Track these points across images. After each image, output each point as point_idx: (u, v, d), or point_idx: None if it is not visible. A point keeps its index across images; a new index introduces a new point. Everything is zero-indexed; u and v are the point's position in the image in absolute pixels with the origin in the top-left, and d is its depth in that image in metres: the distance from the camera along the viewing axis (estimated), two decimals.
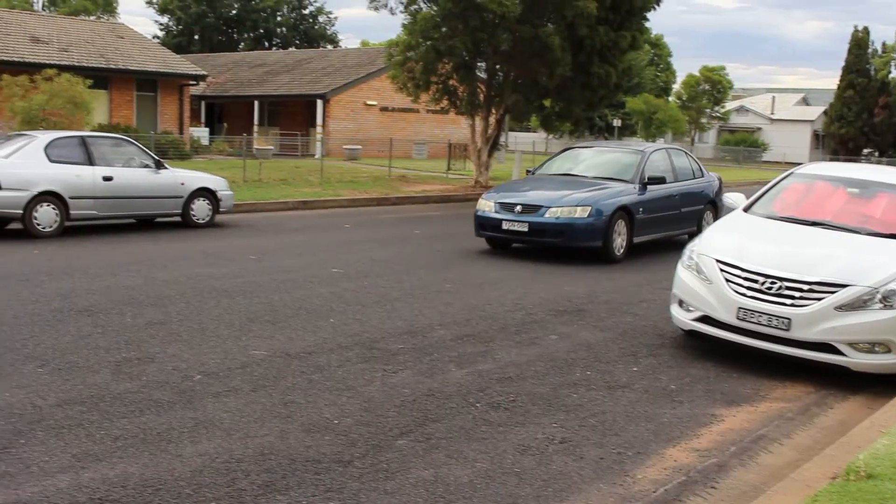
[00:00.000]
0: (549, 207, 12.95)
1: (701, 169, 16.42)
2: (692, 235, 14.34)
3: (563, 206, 12.93)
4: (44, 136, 14.85)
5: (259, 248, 13.71)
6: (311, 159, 36.65)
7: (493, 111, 28.10)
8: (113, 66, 34.48)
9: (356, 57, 50.10)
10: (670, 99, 75.18)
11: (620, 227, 13.40)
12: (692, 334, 8.27)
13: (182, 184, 16.05)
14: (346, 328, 8.46)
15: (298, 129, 43.60)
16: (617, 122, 62.11)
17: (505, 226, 13.25)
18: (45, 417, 5.75)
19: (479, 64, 27.72)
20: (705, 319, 7.93)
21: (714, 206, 16.35)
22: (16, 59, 31.02)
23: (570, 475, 5.21)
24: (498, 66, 27.40)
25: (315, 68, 48.08)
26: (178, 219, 16.19)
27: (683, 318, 8.20)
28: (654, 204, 14.17)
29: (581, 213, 12.88)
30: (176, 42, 69.84)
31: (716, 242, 8.31)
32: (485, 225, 13.73)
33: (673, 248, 14.34)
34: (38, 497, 4.60)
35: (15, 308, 8.84)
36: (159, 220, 16.39)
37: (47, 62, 29.41)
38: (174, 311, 8.94)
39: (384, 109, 45.66)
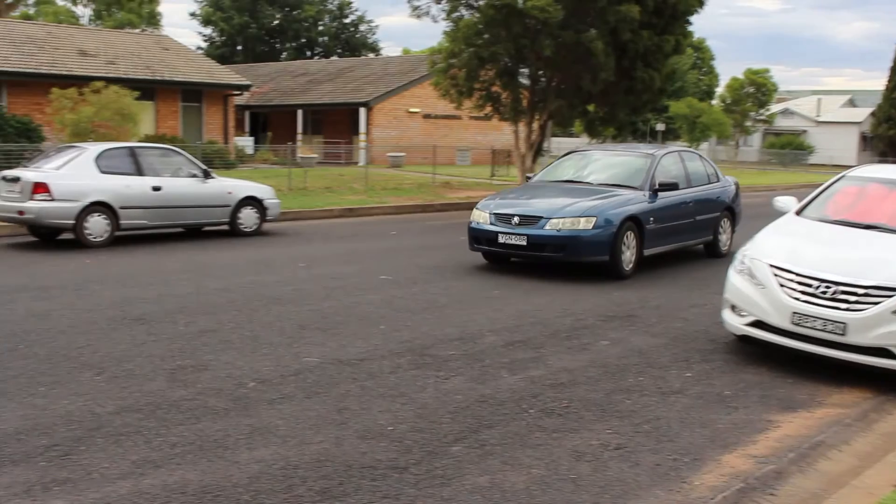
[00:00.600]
0: (550, 218, 11.75)
1: (717, 173, 15.13)
2: (707, 245, 14.49)
3: (566, 217, 11.72)
4: (94, 148, 15.07)
5: (307, 255, 13.79)
6: (354, 167, 36.82)
7: (537, 117, 28.04)
8: (158, 78, 34.88)
9: (398, 65, 50.25)
10: (714, 102, 74.63)
11: (629, 239, 12.12)
12: (745, 339, 8.20)
13: (229, 193, 16.20)
14: (396, 335, 8.48)
15: (342, 138, 43.80)
16: (660, 127, 61.69)
17: (501, 239, 12.08)
18: (104, 425, 5.83)
19: (521, 70, 27.68)
20: (758, 324, 7.84)
21: (731, 213, 15.14)
22: (64, 73, 31.48)
23: (626, 481, 5.17)
24: (541, 72, 27.33)
25: (358, 76, 48.30)
26: (225, 227, 16.33)
27: (736, 323, 8.11)
28: (665, 212, 12.88)
29: (585, 224, 11.66)
30: (219, 53, 70.50)
31: (768, 246, 8.21)
32: (479, 238, 12.55)
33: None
34: (100, 503, 4.66)
35: (70, 317, 8.98)
36: (207, 228, 16.54)
37: (95, 75, 29.80)
38: (226, 318, 9.02)
39: (427, 117, 45.73)
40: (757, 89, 71.98)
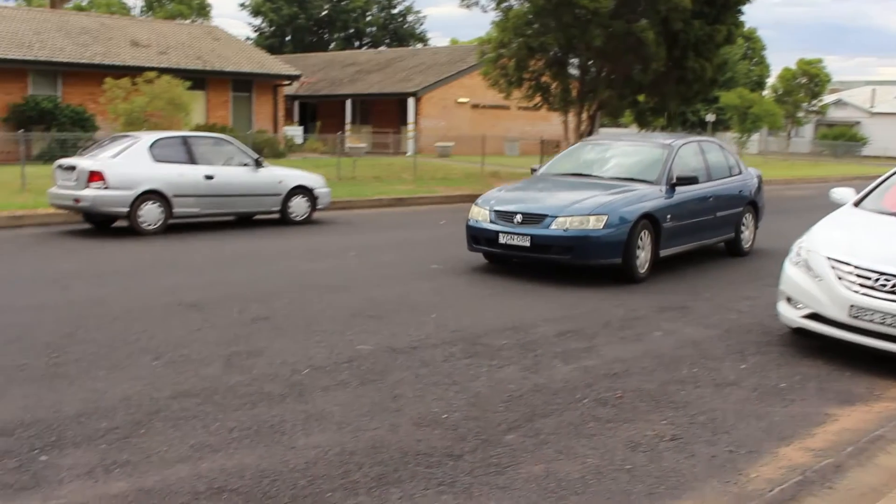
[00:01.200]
0: (556, 217, 10.60)
1: (738, 164, 13.95)
2: (728, 243, 13.41)
3: (574, 216, 10.57)
4: (148, 137, 15.26)
5: (357, 244, 13.86)
6: (403, 157, 36.93)
7: (586, 107, 27.92)
8: (209, 68, 35.20)
9: (447, 55, 50.24)
10: (765, 93, 73.70)
11: (644, 238, 11.00)
12: (800, 332, 8.08)
13: (280, 182, 16.32)
14: (448, 323, 8.50)
15: (390, 127, 43.93)
16: (710, 118, 61.07)
17: (502, 239, 10.89)
18: (163, 409, 5.90)
19: (571, 60, 27.58)
20: (815, 317, 7.74)
21: (754, 208, 13.99)
22: (118, 63, 31.88)
23: (682, 473, 5.14)
24: (591, 62, 27.23)
25: (406, 66, 48.37)
26: (276, 216, 16.45)
27: (791, 316, 8.01)
28: (684, 209, 11.74)
29: (595, 223, 10.52)
30: (268, 43, 70.95)
31: (825, 238, 8.10)
32: (478, 238, 11.38)
33: (775, 243, 14.01)
34: (160, 485, 4.73)
35: (126, 303, 9.11)
36: (258, 217, 16.67)
37: (147, 65, 30.15)
38: (279, 306, 9.10)
39: (475, 106, 45.68)
40: (809, 80, 70.92)
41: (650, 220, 11.05)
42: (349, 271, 11.25)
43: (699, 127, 67.18)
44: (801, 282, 7.87)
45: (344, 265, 11.76)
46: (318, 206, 16.91)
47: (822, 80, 71.53)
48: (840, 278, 7.50)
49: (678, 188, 11.67)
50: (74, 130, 28.51)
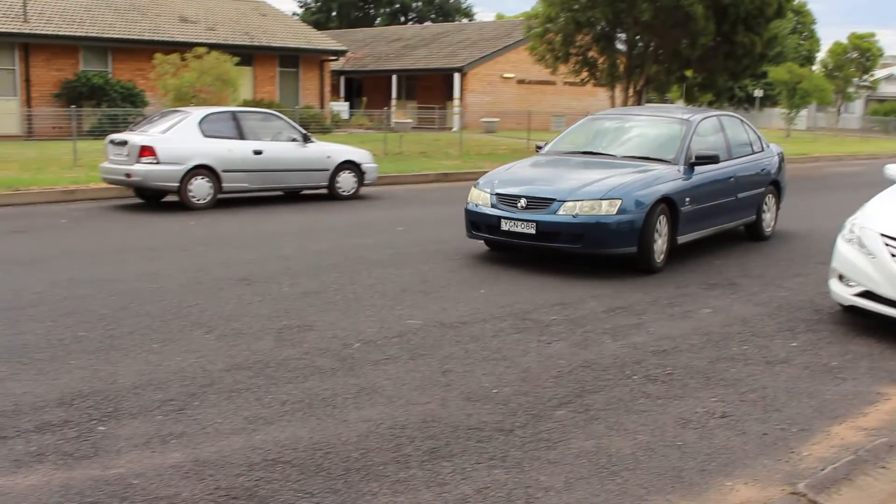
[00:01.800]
0: (565, 201, 9.63)
1: (760, 140, 12.90)
2: (749, 227, 12.53)
3: (584, 200, 9.59)
4: (197, 112, 15.39)
5: (405, 219, 13.90)
6: (448, 132, 36.91)
7: (633, 82, 27.70)
8: (257, 44, 35.36)
9: (493, 30, 50.00)
10: (814, 68, 72.52)
11: (661, 224, 10.04)
12: (852, 310, 7.99)
13: (328, 157, 16.39)
14: (497, 299, 8.52)
15: (436, 103, 43.90)
16: (758, 93, 60.26)
17: (504, 226, 9.92)
18: (216, 381, 5.99)
19: (619, 35, 27.37)
20: (867, 295, 7.63)
21: (777, 188, 13.07)
22: (166, 39, 32.15)
23: (733, 450, 5.12)
24: (638, 37, 26.99)
25: (452, 42, 48.22)
26: (324, 191, 16.54)
27: (843, 294, 7.91)
28: (703, 190, 10.78)
29: (608, 207, 9.56)
30: (315, 19, 71.06)
31: (879, 215, 7.97)
32: (478, 224, 10.41)
33: (825, 220, 13.82)
34: (215, 456, 4.80)
35: (178, 277, 9.23)
36: (305, 192, 16.77)
37: (195, 41, 30.35)
38: (328, 280, 9.17)
39: (521, 82, 45.49)
40: (861, 54, 69.72)
41: (668, 203, 10.11)
42: (397, 246, 11.30)
43: (746, 103, 66.38)
44: (854, 259, 7.76)
45: (392, 240, 11.81)
46: (366, 182, 16.98)
47: (874, 54, 70.29)
48: (894, 255, 7.40)
49: (697, 168, 10.74)
50: (124, 106, 28.84)
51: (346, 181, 16.60)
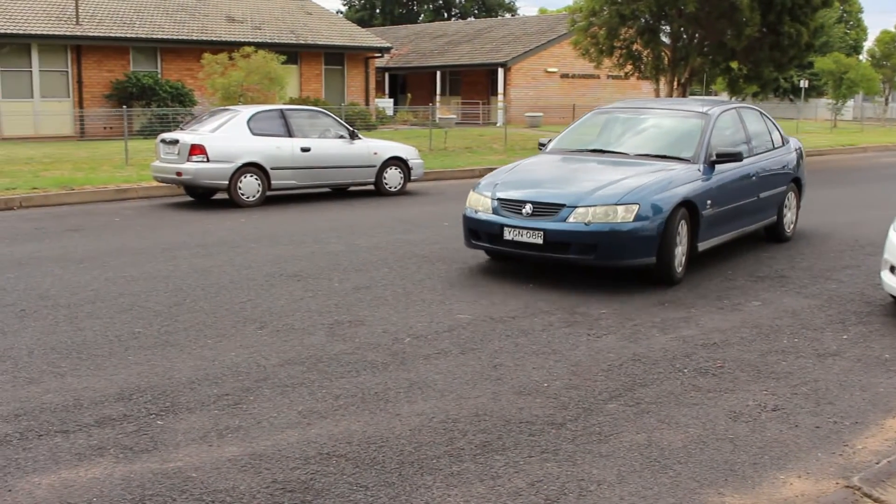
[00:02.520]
0: (575, 207, 8.61)
1: (781, 134, 11.96)
2: (769, 229, 11.58)
3: (597, 205, 8.59)
4: (246, 111, 15.55)
5: (451, 214, 13.89)
6: (492, 127, 36.89)
7: (678, 75, 27.50)
8: (303, 42, 35.61)
9: (536, 24, 49.89)
10: (861, 58, 71.37)
11: (682, 230, 9.07)
12: None
13: (375, 153, 16.48)
14: (546, 293, 8.54)
15: (479, 98, 43.92)
16: (804, 84, 59.46)
17: (508, 234, 8.88)
18: (270, 376, 6.08)
19: (663, 27, 27.18)
20: None
21: (798, 186, 12.16)
22: (214, 39, 32.51)
23: (785, 443, 5.11)
24: (683, 29, 26.77)
25: (495, 37, 48.19)
26: (370, 187, 16.64)
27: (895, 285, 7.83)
28: (725, 191, 9.81)
29: (625, 214, 8.55)
30: (359, 16, 71.33)
31: None
32: (478, 232, 9.36)
33: (875, 211, 13.64)
34: (271, 450, 4.88)
35: (230, 273, 9.36)
36: (352, 188, 16.88)
37: (242, 40, 30.69)
38: (378, 276, 9.25)
39: (565, 76, 45.33)
40: None
41: (688, 207, 9.15)
42: (444, 241, 11.35)
43: (792, 94, 65.52)
44: None
45: (439, 235, 11.86)
46: (412, 178, 17.05)
47: None
48: None
49: (718, 167, 9.79)
50: (173, 105, 29.20)
51: (393, 177, 16.69)
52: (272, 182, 15.08)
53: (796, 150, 12.25)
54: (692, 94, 41.18)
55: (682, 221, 9.04)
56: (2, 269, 9.49)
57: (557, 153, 10.54)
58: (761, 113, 11.86)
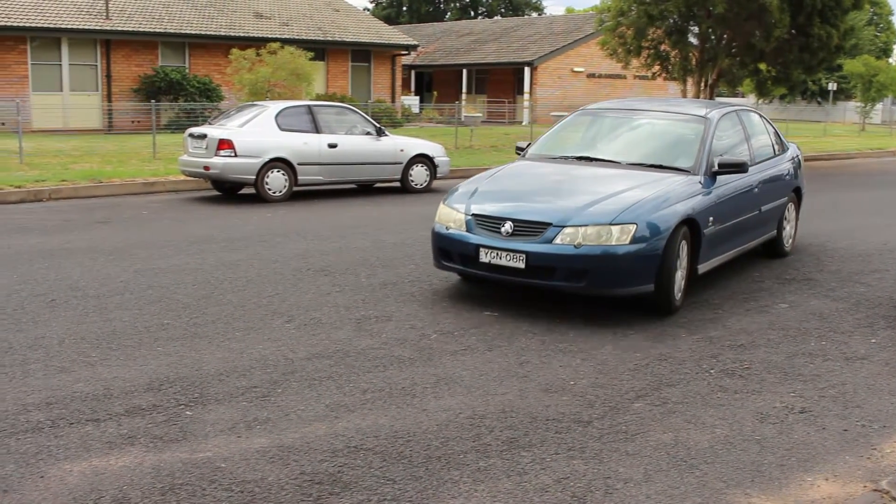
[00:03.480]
0: (563, 227, 7.43)
1: (781, 139, 10.95)
2: (767, 245, 10.49)
3: (589, 225, 7.40)
4: (274, 106, 15.61)
5: None
6: (518, 126, 36.88)
7: (706, 76, 27.38)
8: (330, 39, 35.71)
9: (563, 24, 49.83)
10: (891, 60, 70.73)
11: (682, 252, 7.94)
12: None
13: (401, 150, 16.52)
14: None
15: (505, 97, 43.93)
16: (832, 87, 59.06)
17: (485, 257, 7.66)
18: (298, 369, 6.12)
19: (691, 28, 27.06)
20: None
21: (798, 196, 11.13)
22: (242, 35, 32.67)
23: (813, 445, 5.09)
24: (711, 30, 26.64)
25: (522, 36, 48.17)
26: (396, 184, 16.68)
27: None
28: (727, 206, 8.67)
29: (620, 235, 7.38)
30: (385, 14, 71.43)
31: None
32: (449, 252, 8.12)
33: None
34: (299, 442, 4.92)
35: (258, 267, 9.42)
36: (378, 185, 16.92)
37: (270, 36, 30.80)
38: (405, 272, 9.29)
39: (591, 76, 45.28)
40: None
41: (690, 226, 8.01)
42: None
43: (819, 96, 65.07)
44: None
45: None
46: (438, 175, 17.08)
47: None
48: None
49: (720, 178, 8.65)
50: (201, 100, 29.36)
51: (419, 174, 16.72)
52: (299, 177, 15.13)
53: (795, 156, 11.23)
54: (719, 95, 40.99)
55: (684, 242, 7.92)
56: (32, 260, 9.59)
57: (538, 160, 9.28)
58: (761, 116, 10.86)
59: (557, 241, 7.41)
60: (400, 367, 6.20)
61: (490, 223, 7.79)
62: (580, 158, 9.08)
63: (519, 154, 9.79)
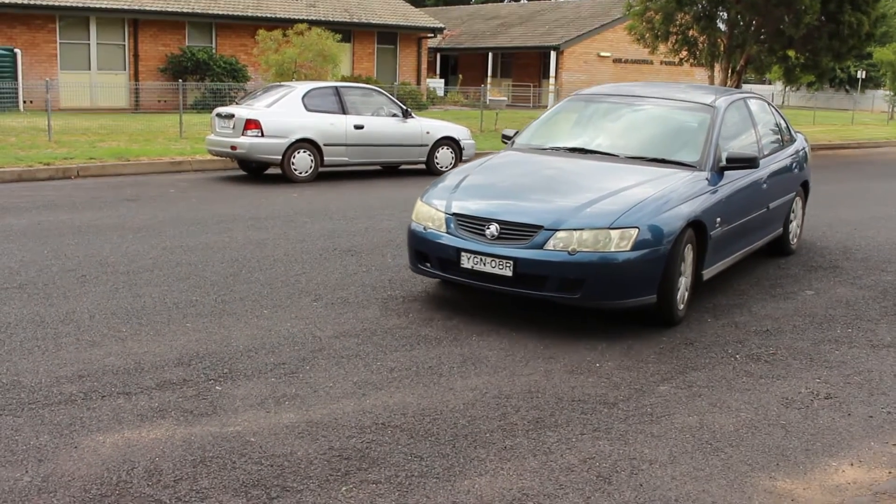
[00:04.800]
0: (556, 230, 6.60)
1: (789, 129, 10.22)
2: (773, 244, 9.69)
3: (585, 229, 6.58)
4: (301, 87, 15.66)
5: None
6: (543, 110, 36.72)
7: (733, 62, 27.20)
8: (356, 21, 35.69)
9: (590, 8, 49.55)
10: None
11: (687, 258, 7.10)
12: None
13: (427, 133, 16.53)
14: None
15: (531, 81, 43.79)
16: (861, 74, 58.44)
17: (467, 262, 6.81)
18: (325, 347, 6.18)
19: (720, 13, 26.87)
20: None
21: (805, 190, 10.44)
22: (269, 16, 32.70)
23: (838, 431, 5.11)
24: (740, 16, 26.43)
25: (548, 20, 47.96)
26: (422, 166, 16.70)
27: None
28: (735, 205, 7.87)
29: (620, 241, 6.56)
30: None
31: None
32: (426, 255, 7.26)
33: None
34: (327, 419, 4.97)
35: (284, 246, 9.48)
36: (403, 167, 16.96)
37: (297, 17, 30.84)
38: None
39: (617, 61, 45.04)
40: None
41: (696, 228, 7.17)
42: None
43: (848, 84, 64.42)
44: None
45: None
46: (463, 158, 17.06)
47: None
48: None
49: (728, 173, 7.81)
50: (227, 81, 29.44)
51: (445, 157, 16.74)
52: (325, 158, 15.18)
53: (803, 148, 10.42)
54: (746, 81, 40.66)
55: (689, 246, 7.10)
56: (63, 236, 9.69)
57: (528, 151, 8.33)
58: (769, 103, 10.01)
59: (549, 246, 6.59)
60: (427, 347, 6.25)
61: (473, 224, 6.93)
62: (573, 150, 8.15)
63: (506, 143, 8.90)
